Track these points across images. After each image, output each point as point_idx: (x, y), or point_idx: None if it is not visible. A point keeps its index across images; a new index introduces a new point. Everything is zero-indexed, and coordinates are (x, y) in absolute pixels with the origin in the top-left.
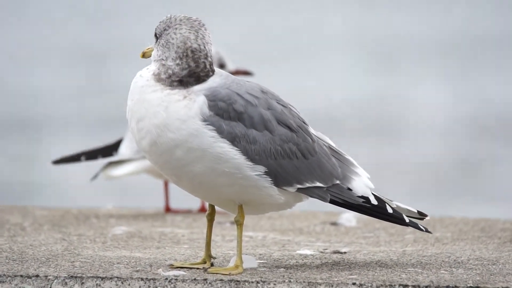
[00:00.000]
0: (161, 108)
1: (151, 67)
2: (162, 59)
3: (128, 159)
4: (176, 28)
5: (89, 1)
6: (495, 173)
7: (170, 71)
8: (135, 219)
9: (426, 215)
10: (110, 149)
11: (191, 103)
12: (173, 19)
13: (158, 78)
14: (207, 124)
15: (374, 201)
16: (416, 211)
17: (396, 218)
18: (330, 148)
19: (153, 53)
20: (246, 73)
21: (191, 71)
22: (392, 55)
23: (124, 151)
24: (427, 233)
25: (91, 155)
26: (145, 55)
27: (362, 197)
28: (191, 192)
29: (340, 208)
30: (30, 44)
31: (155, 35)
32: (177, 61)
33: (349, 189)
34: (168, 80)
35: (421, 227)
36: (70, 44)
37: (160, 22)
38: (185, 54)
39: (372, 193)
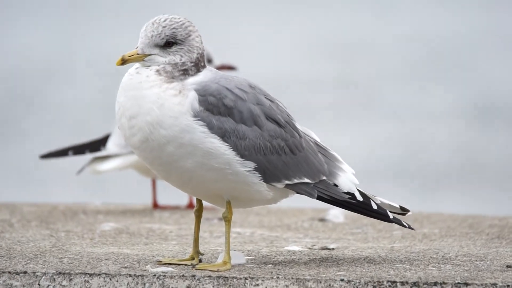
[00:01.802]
0: (156, 105)
1: (153, 66)
2: (181, 61)
3: (116, 154)
4: (194, 32)
5: None
6: None
7: (180, 64)
8: (123, 215)
9: (408, 210)
10: (97, 144)
11: (184, 99)
12: (187, 23)
13: (162, 71)
14: (198, 120)
15: (359, 197)
16: (398, 207)
17: (380, 214)
18: (316, 143)
19: (162, 59)
20: (230, 67)
21: (196, 63)
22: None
23: (111, 146)
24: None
25: (79, 149)
26: (126, 62)
27: (348, 193)
28: (180, 187)
29: (327, 204)
30: None
31: (168, 42)
32: (193, 60)
33: (335, 185)
34: (174, 70)
35: (404, 224)
36: None
37: (173, 28)
38: (203, 52)
39: (357, 189)
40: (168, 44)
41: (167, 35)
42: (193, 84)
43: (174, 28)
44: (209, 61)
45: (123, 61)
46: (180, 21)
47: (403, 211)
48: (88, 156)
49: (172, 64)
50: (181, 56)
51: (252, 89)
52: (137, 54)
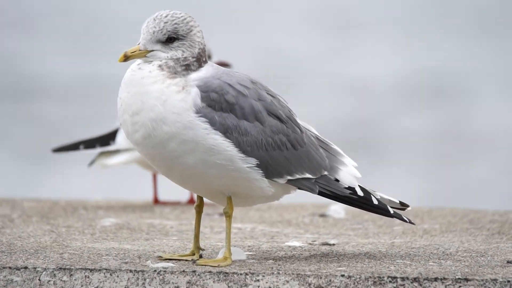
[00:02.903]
0: (159, 102)
1: (155, 62)
2: (183, 56)
3: (125, 149)
4: (196, 27)
5: None
6: None
7: (182, 59)
8: (124, 210)
9: (407, 206)
10: (107, 139)
11: (187, 96)
12: (189, 18)
13: (165, 67)
14: (200, 116)
15: (360, 193)
16: (398, 202)
17: (381, 209)
18: (317, 138)
19: (164, 55)
20: (224, 64)
21: (198, 58)
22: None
23: (121, 140)
24: (411, 224)
25: (90, 144)
26: (129, 58)
27: (349, 188)
28: (181, 184)
29: (328, 199)
30: None
31: (170, 38)
32: (195, 55)
33: (337, 180)
34: (177, 66)
35: (405, 218)
36: None
37: (175, 24)
38: (205, 47)
39: (358, 185)
40: (170, 39)
41: (168, 31)
42: (195, 80)
43: (175, 23)
44: (209, 57)
45: (126, 58)
46: (182, 16)
47: (403, 206)
48: (99, 150)
49: (174, 59)
50: (183, 51)
51: (254, 85)
52: (139, 50)
